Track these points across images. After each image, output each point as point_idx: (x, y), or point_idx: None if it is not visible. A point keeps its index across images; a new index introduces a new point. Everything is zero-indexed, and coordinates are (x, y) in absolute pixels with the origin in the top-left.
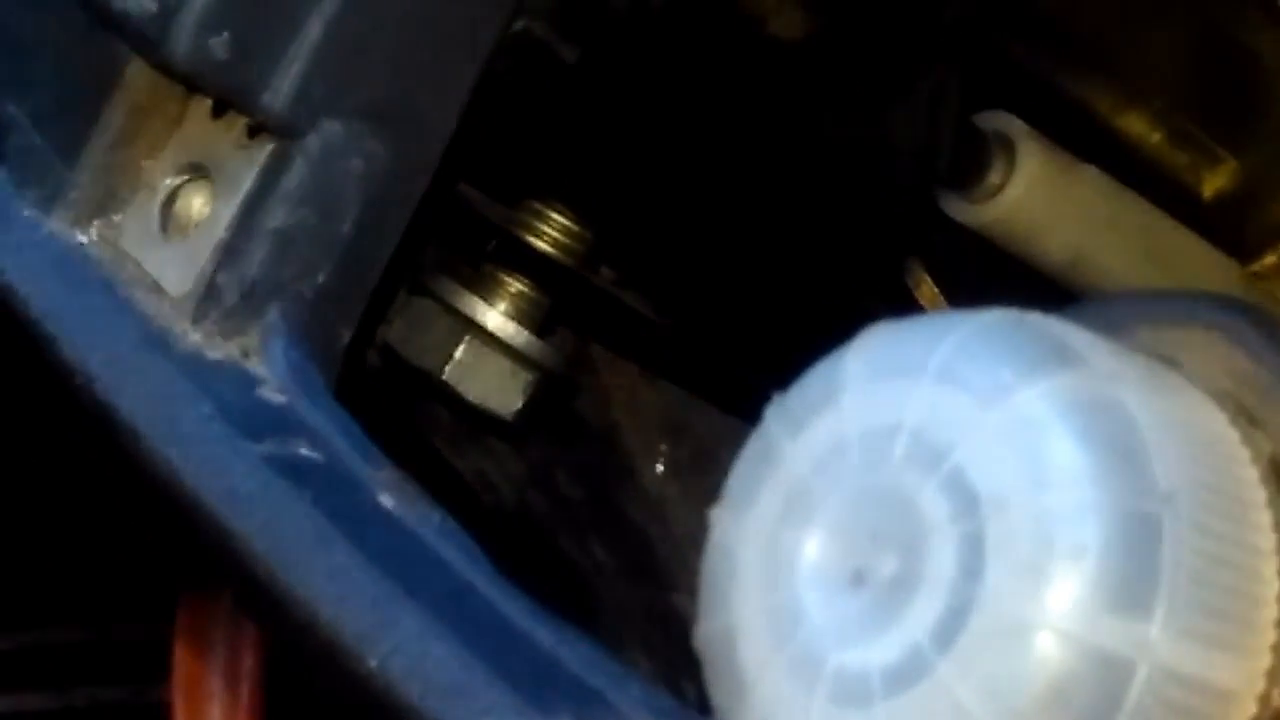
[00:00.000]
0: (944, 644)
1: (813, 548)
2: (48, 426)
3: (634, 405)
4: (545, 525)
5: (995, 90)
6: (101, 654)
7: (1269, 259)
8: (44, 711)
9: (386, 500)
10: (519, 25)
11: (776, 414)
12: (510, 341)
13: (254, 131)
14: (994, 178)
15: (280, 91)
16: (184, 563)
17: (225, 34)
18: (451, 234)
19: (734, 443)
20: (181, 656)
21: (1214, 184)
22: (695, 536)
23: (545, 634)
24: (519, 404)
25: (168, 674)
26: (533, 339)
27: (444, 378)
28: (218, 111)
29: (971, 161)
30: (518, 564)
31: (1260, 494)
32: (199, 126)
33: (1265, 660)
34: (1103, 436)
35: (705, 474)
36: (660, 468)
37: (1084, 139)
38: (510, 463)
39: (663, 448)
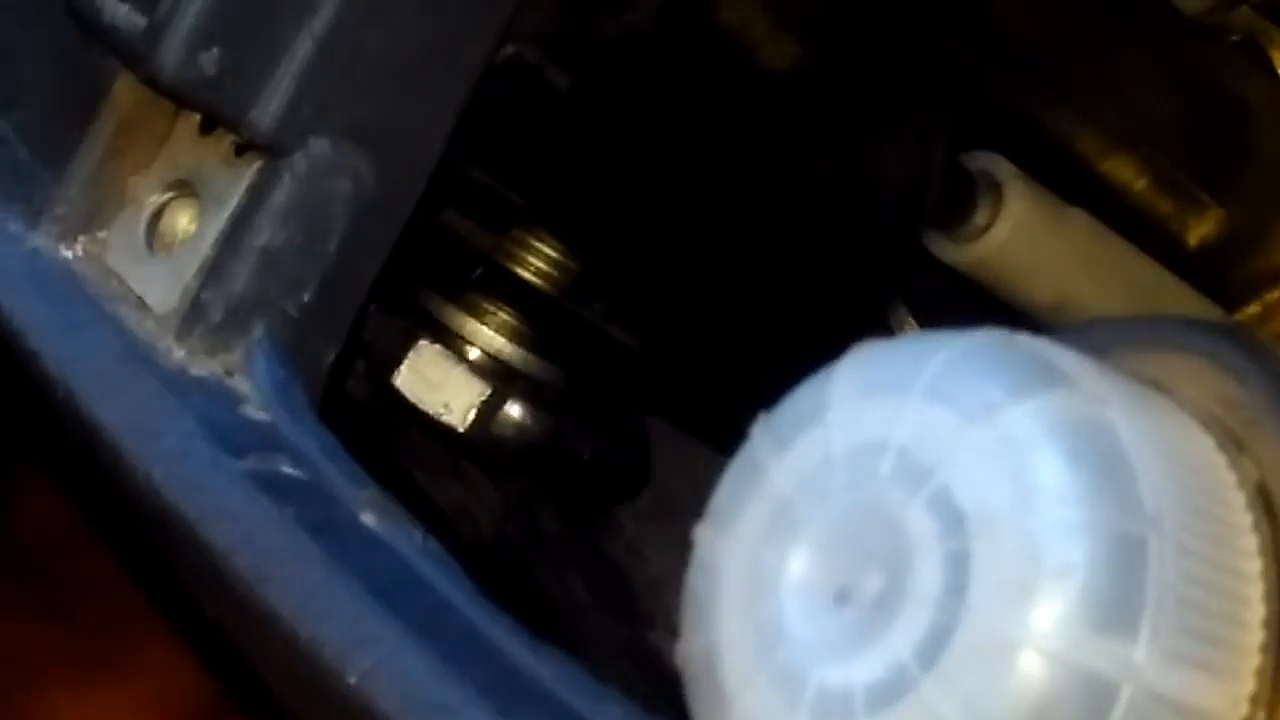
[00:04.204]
0: (928, 662)
1: (797, 565)
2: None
3: None
4: (524, 559)
5: (983, 131)
6: None
7: (1252, 309)
8: None
9: (368, 518)
10: (510, 50)
11: (763, 430)
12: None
13: (241, 149)
14: (980, 218)
15: (268, 109)
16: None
17: (215, 50)
18: (436, 260)
19: (713, 480)
20: None
21: (1199, 232)
22: (672, 575)
23: (525, 653)
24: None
25: None
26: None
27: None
28: (206, 128)
29: (958, 201)
30: (496, 597)
31: (1246, 518)
32: (186, 143)
33: (1249, 685)
34: (1090, 456)
35: (683, 513)
36: (638, 505)
37: (1070, 183)
38: (489, 495)
39: None
